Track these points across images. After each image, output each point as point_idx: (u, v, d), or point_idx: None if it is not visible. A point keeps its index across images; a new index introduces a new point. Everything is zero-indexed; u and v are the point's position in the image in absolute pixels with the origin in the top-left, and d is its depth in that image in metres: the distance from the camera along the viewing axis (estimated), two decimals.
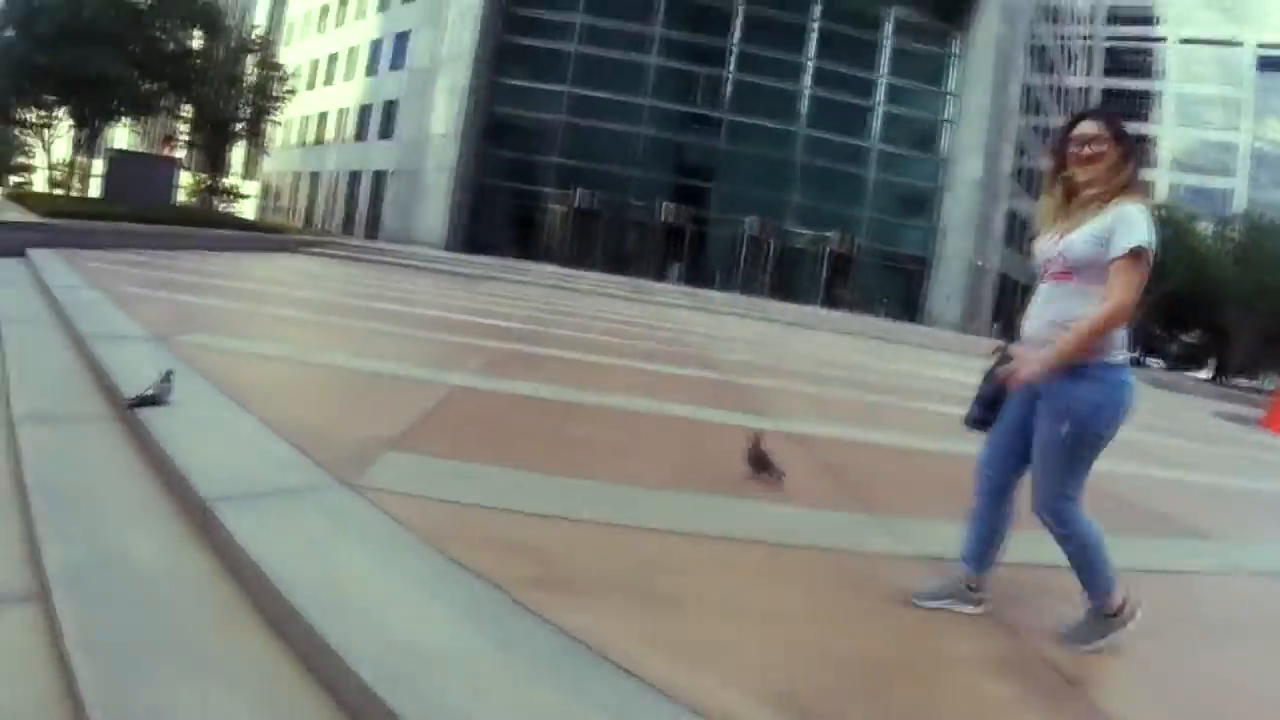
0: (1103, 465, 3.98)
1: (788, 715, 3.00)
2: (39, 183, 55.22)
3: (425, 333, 12.63)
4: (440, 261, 36.95)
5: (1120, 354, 3.80)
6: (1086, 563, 3.97)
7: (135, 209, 24.82)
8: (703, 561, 4.45)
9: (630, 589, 3.93)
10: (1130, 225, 3.66)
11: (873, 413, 11.75)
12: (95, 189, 41.61)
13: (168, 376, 5.90)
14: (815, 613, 4.04)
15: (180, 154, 49.80)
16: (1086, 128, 3.91)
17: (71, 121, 40.31)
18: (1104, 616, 4.00)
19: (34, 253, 14.99)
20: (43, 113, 41.09)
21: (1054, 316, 3.85)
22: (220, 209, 48.89)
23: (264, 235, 33.10)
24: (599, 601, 3.73)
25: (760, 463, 6.12)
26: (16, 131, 51.01)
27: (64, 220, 20.23)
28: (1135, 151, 3.89)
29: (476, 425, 6.86)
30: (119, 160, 37.20)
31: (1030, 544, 4.36)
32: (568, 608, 3.55)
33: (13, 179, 63.75)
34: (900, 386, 15.76)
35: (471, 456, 5.73)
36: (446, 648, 3.12)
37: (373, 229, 55.43)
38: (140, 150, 64.38)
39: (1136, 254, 3.64)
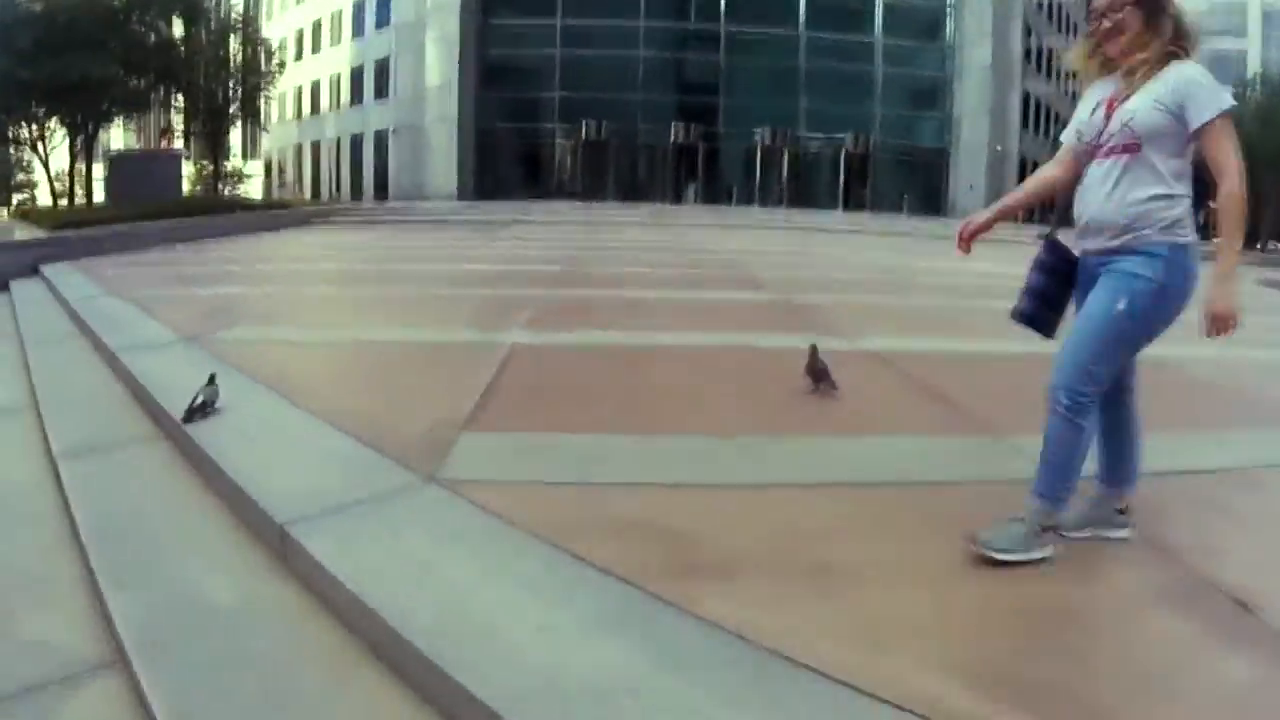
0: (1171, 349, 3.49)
1: (992, 689, 2.60)
2: (42, 197, 54.81)
3: (463, 290, 12.11)
4: (456, 213, 36.75)
5: (1189, 233, 3.36)
6: (1064, 463, 3.51)
7: (142, 208, 24.40)
8: (839, 516, 3.98)
9: (773, 562, 3.46)
10: (1205, 87, 3.25)
11: (940, 318, 11.12)
12: (100, 194, 41.20)
13: (212, 380, 5.46)
14: (969, 559, 3.53)
15: (179, 145, 49.21)
16: None
17: (65, 131, 39.76)
18: (1041, 528, 3.55)
19: (47, 268, 14.61)
20: (35, 126, 40.54)
21: (1126, 196, 3.37)
22: (226, 194, 48.35)
23: (276, 213, 32.75)
24: (745, 584, 3.26)
25: (820, 374, 6.04)
26: (12, 149, 50.54)
27: (73, 231, 19.85)
28: (1162, 6, 3.37)
29: (545, 388, 6.36)
30: (119, 161, 36.81)
31: (1170, 451, 3.87)
32: (713, 597, 3.09)
33: (16, 197, 63.42)
34: (954, 286, 15.11)
35: (551, 425, 5.26)
36: (596, 669, 2.65)
37: (382, 190, 55.28)
38: (139, 148, 63.87)
39: (1227, 115, 3.23)
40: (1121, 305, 3.32)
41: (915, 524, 3.91)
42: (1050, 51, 64.61)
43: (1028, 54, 58.36)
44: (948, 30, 57.03)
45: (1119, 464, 3.79)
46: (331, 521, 3.68)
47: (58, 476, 4.96)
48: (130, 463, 5.12)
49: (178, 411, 5.27)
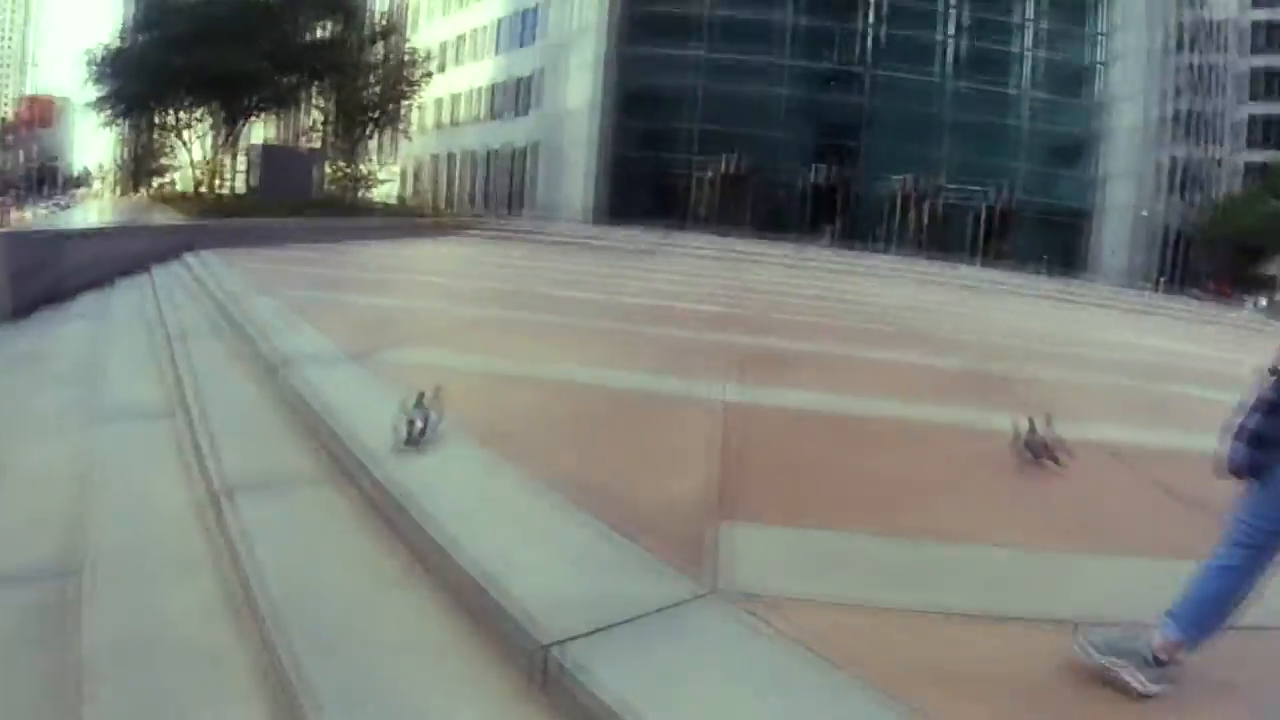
0: None
1: None
2: (180, 182, 55.90)
3: (633, 326, 11.42)
4: (594, 236, 36.69)
5: None
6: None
7: (284, 202, 24.31)
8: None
9: None
10: None
11: (1171, 408, 9.88)
12: (237, 185, 41.68)
13: (421, 401, 4.78)
14: None
15: (316, 145, 49.74)
16: None
17: (210, 120, 40.31)
18: (1157, 659, 2.83)
19: (190, 256, 14.33)
20: (182, 114, 41.16)
21: None
22: (361, 196, 48.69)
23: (414, 220, 32.78)
24: None
25: (1039, 450, 5.72)
26: (156, 134, 51.57)
27: (215, 219, 19.72)
28: None
29: (782, 463, 5.46)
30: (266, 154, 37.03)
31: None
32: None
33: (155, 180, 64.79)
34: (1167, 368, 13.87)
35: (816, 517, 4.36)
36: None
37: (515, 205, 55.54)
38: (280, 144, 65.12)
39: None
40: None
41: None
42: (1198, 116, 62.27)
43: (1175, 116, 56.14)
44: (1096, 87, 55.19)
45: None
46: (609, 647, 2.77)
47: (216, 506, 4.25)
48: (310, 511, 4.26)
49: (360, 448, 4.60)
